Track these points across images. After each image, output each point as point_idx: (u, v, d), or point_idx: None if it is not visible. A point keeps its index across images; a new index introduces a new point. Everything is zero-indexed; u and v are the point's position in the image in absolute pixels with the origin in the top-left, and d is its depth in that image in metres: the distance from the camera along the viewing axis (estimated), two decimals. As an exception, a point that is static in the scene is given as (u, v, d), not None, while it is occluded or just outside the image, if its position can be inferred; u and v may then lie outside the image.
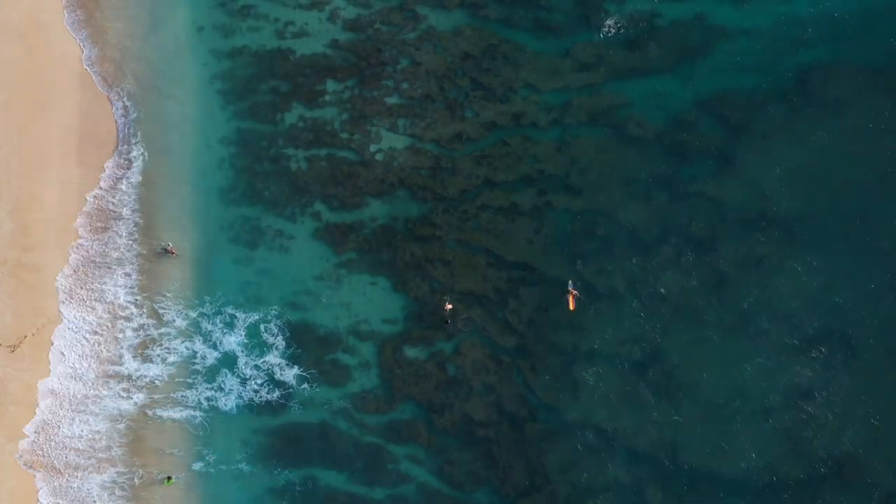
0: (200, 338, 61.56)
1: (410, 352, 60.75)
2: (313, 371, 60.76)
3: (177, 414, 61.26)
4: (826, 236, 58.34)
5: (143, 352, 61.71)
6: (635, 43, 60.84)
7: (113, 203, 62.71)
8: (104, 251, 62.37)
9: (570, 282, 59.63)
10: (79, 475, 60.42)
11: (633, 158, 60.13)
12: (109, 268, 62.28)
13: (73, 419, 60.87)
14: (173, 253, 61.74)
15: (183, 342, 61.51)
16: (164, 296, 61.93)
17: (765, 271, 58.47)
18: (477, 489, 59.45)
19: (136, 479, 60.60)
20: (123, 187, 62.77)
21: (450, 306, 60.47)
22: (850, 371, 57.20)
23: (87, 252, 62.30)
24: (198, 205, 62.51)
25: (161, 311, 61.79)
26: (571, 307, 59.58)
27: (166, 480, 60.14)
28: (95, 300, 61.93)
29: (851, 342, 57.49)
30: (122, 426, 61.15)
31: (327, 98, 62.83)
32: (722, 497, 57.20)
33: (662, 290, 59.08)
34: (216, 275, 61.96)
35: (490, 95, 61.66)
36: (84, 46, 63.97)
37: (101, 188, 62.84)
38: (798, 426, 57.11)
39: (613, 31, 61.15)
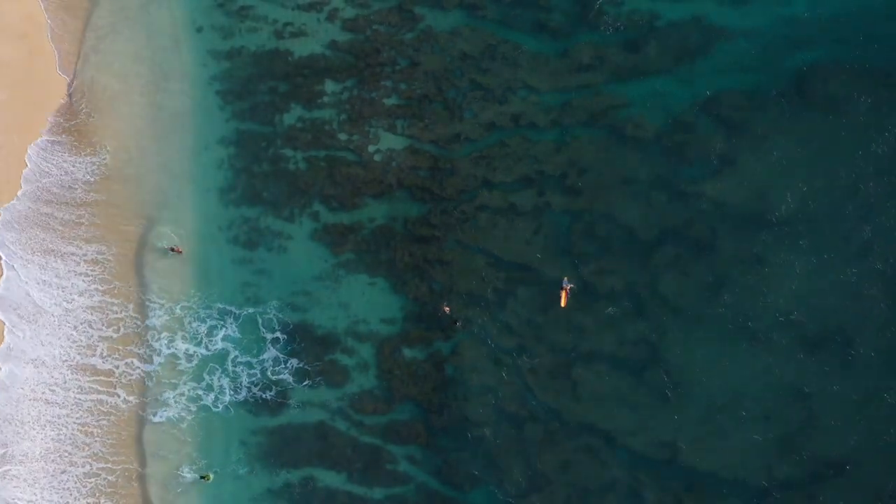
0: (197, 337, 61.76)
1: (409, 352, 60.80)
2: (313, 367, 60.90)
3: (171, 414, 61.51)
4: (825, 237, 58.13)
5: (128, 348, 61.87)
6: (634, 43, 60.61)
7: (94, 197, 63.08)
8: (74, 243, 62.76)
9: (565, 279, 59.54)
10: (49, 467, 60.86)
11: (633, 159, 59.96)
12: (79, 262, 62.73)
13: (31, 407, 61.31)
14: (179, 251, 61.90)
15: (178, 341, 61.70)
16: (160, 294, 62.16)
17: (764, 272, 58.28)
18: (475, 489, 59.56)
19: (118, 478, 60.79)
20: (102, 181, 63.15)
21: (447, 309, 60.48)
22: (850, 372, 57.03)
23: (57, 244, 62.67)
24: (196, 205, 62.66)
25: (154, 308, 61.98)
26: (563, 303, 59.50)
27: (204, 477, 60.38)
28: (65, 292, 62.26)
29: (851, 343, 57.26)
30: (104, 422, 61.32)
31: (326, 99, 62.84)
32: (720, 498, 57.13)
33: (661, 290, 58.98)
34: (215, 275, 62.19)
35: (489, 96, 61.56)
36: (66, 50, 64.02)
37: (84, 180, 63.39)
38: (797, 427, 56.97)
39: (612, 31, 60.98)
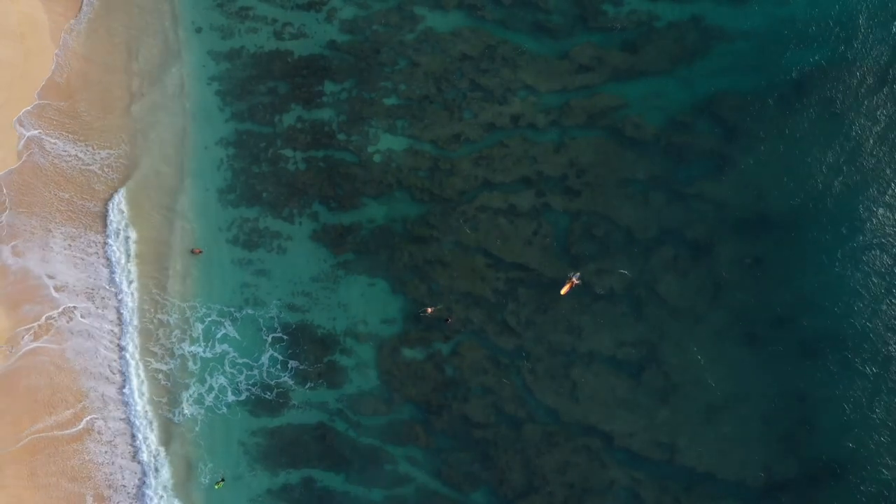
0: (197, 338, 61.69)
1: (408, 353, 60.79)
2: (313, 369, 60.89)
3: (170, 415, 61.49)
4: (823, 237, 58.25)
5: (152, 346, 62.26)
6: (633, 44, 60.75)
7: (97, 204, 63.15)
8: (74, 247, 62.70)
9: (577, 273, 59.41)
10: None
11: (631, 160, 60.06)
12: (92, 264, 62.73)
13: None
14: (199, 252, 61.88)
15: (186, 341, 61.69)
16: (174, 293, 62.22)
17: (762, 272, 58.38)
18: (475, 490, 59.57)
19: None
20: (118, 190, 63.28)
21: (430, 310, 60.47)
22: (848, 373, 57.13)
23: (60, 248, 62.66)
24: (196, 206, 62.62)
25: (168, 306, 62.03)
26: (563, 291, 59.43)
27: (217, 483, 60.39)
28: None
29: (850, 344, 57.36)
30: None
31: (325, 99, 62.85)
32: (719, 498, 57.18)
33: (660, 291, 59.04)
34: (214, 276, 62.13)
35: (488, 96, 61.62)
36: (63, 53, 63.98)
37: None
38: (795, 428, 57.06)
39: (619, 29, 60.88)
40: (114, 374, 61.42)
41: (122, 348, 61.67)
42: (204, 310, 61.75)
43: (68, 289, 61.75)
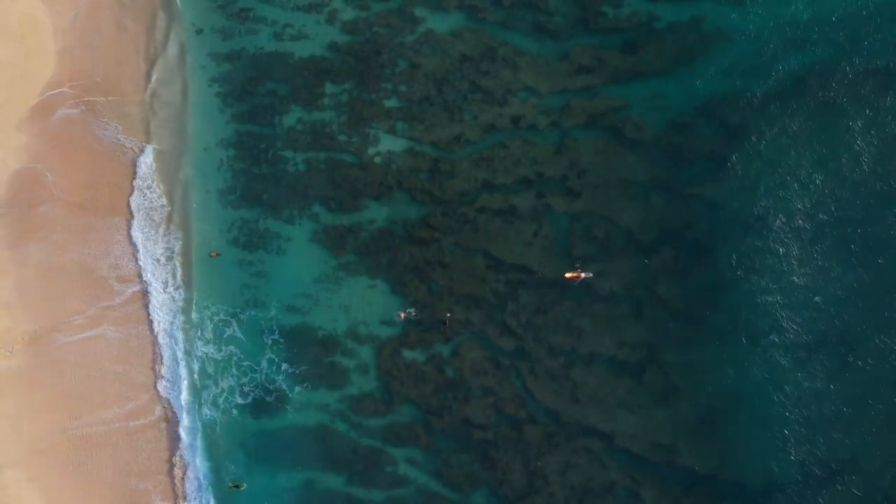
0: (209, 339, 61.74)
1: (409, 354, 60.80)
2: (313, 371, 60.91)
3: (200, 415, 61.73)
4: (825, 238, 58.30)
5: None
6: (633, 45, 60.75)
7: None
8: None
9: (590, 275, 59.49)
10: None
11: (632, 161, 60.10)
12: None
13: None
14: (216, 255, 61.93)
15: (199, 343, 61.81)
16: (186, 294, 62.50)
17: (763, 274, 58.45)
18: (475, 491, 59.61)
19: None
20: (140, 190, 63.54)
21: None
22: (849, 374, 57.20)
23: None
24: (196, 207, 62.64)
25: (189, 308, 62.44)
26: (567, 275, 59.45)
27: (235, 486, 60.48)
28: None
29: (850, 345, 57.44)
30: None
31: (326, 101, 62.81)
32: (719, 499, 57.26)
33: (660, 292, 59.08)
34: (214, 277, 62.13)
35: (489, 98, 61.58)
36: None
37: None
38: (795, 429, 57.13)
39: (612, 33, 60.98)
40: (162, 366, 61.83)
41: (171, 339, 62.05)
42: (213, 309, 61.88)
43: (127, 279, 61.94)
